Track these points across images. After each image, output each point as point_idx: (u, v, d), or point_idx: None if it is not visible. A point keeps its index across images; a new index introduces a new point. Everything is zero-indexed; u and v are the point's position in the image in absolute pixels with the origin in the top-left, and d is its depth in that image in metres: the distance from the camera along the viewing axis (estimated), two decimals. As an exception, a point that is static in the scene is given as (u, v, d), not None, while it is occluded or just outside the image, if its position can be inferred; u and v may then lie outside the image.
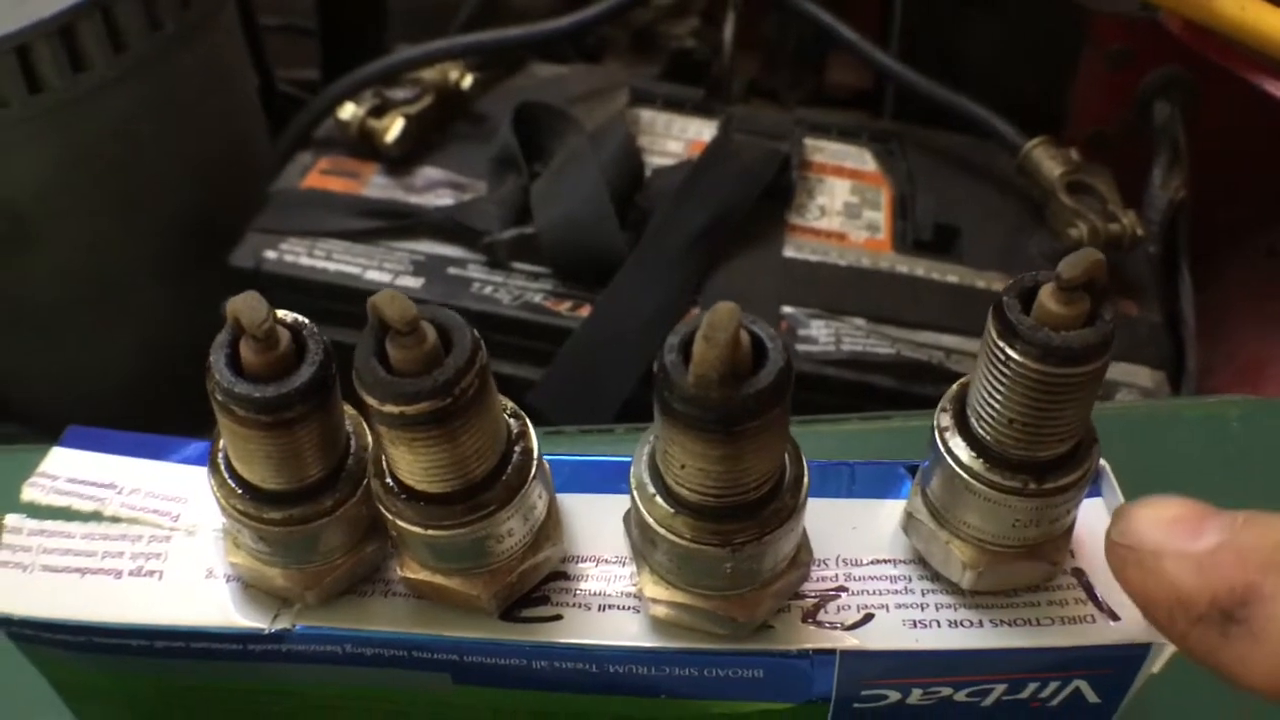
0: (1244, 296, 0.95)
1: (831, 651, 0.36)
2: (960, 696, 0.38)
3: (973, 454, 0.34)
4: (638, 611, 0.37)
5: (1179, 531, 0.30)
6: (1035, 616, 0.37)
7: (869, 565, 0.39)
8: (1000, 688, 0.38)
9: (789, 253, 0.83)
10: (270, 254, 0.80)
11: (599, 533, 0.39)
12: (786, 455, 0.34)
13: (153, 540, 0.40)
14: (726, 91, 1.00)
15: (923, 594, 0.38)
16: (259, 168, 0.93)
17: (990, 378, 0.32)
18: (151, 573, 0.39)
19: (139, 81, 0.77)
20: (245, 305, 0.31)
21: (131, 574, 0.39)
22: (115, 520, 0.40)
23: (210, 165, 0.89)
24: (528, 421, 0.36)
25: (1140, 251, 0.84)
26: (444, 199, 0.85)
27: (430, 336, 0.31)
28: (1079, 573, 0.38)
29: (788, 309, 0.78)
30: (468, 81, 0.92)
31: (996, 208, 0.89)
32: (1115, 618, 0.37)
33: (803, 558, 0.37)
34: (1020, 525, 0.35)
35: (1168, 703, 0.45)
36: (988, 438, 0.34)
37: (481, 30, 0.97)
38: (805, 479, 0.34)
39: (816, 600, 0.37)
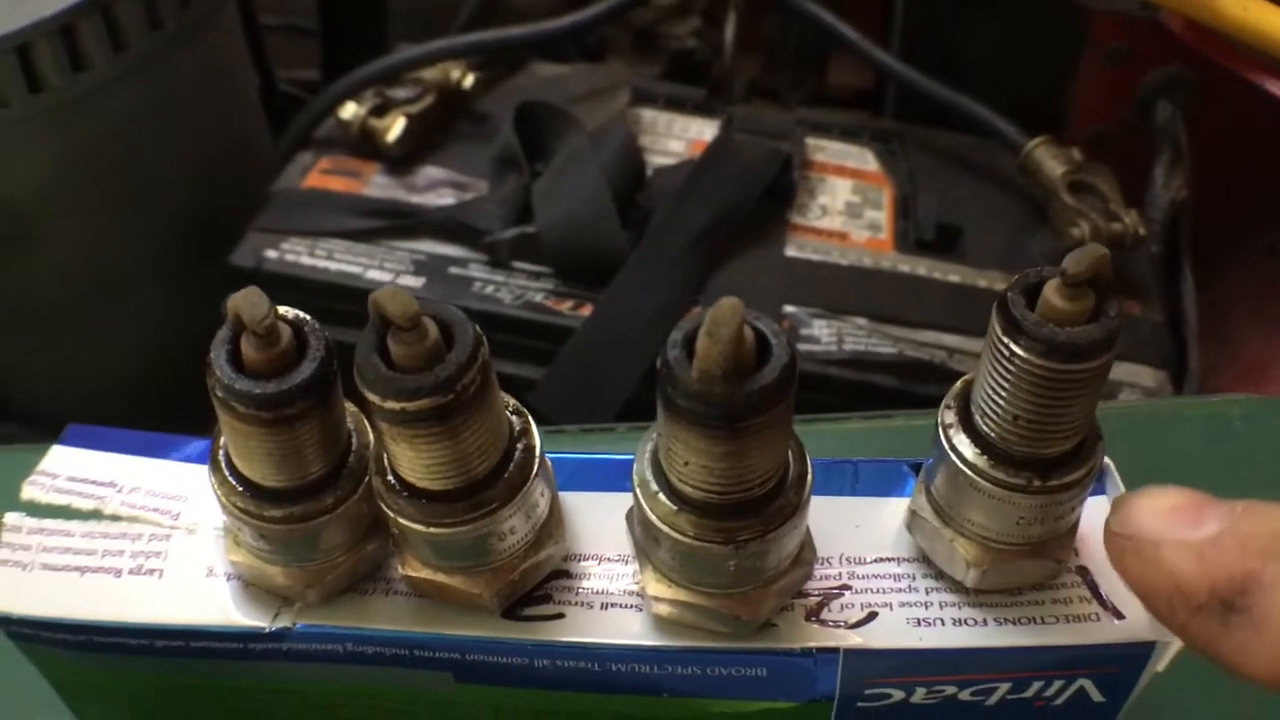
0: (1246, 296, 0.95)
1: (835, 650, 0.36)
2: (964, 695, 0.38)
3: (977, 451, 0.34)
4: (640, 610, 0.37)
5: (1178, 520, 0.30)
6: (1039, 615, 0.37)
7: (873, 563, 0.38)
8: (1004, 686, 0.37)
9: (791, 252, 0.82)
10: (271, 253, 0.80)
11: (601, 531, 0.39)
12: (790, 452, 0.34)
13: (153, 539, 0.40)
14: (728, 91, 1.00)
15: (927, 592, 0.38)
16: (260, 167, 0.93)
17: (995, 374, 0.32)
18: (151, 571, 0.39)
19: (139, 81, 0.77)
20: (246, 301, 0.31)
21: (131, 572, 0.39)
22: (115, 519, 0.40)
23: (211, 165, 0.89)
24: (530, 419, 0.36)
25: (1142, 251, 0.84)
26: (445, 198, 0.85)
27: (432, 332, 0.30)
28: (1083, 571, 0.38)
29: (790, 308, 0.78)
30: (469, 81, 0.92)
31: (998, 207, 0.89)
32: (1120, 616, 0.37)
33: (806, 556, 0.36)
34: (1025, 523, 0.35)
35: (1173, 701, 0.45)
36: (992, 435, 0.34)
37: (483, 30, 0.97)
38: (809, 476, 0.34)
39: (820, 598, 0.37)
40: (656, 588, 0.36)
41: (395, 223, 0.82)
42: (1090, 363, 0.31)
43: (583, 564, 0.39)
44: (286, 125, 0.95)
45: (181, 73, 0.82)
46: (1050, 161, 0.85)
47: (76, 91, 0.73)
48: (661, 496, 0.33)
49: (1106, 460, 0.39)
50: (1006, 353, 0.31)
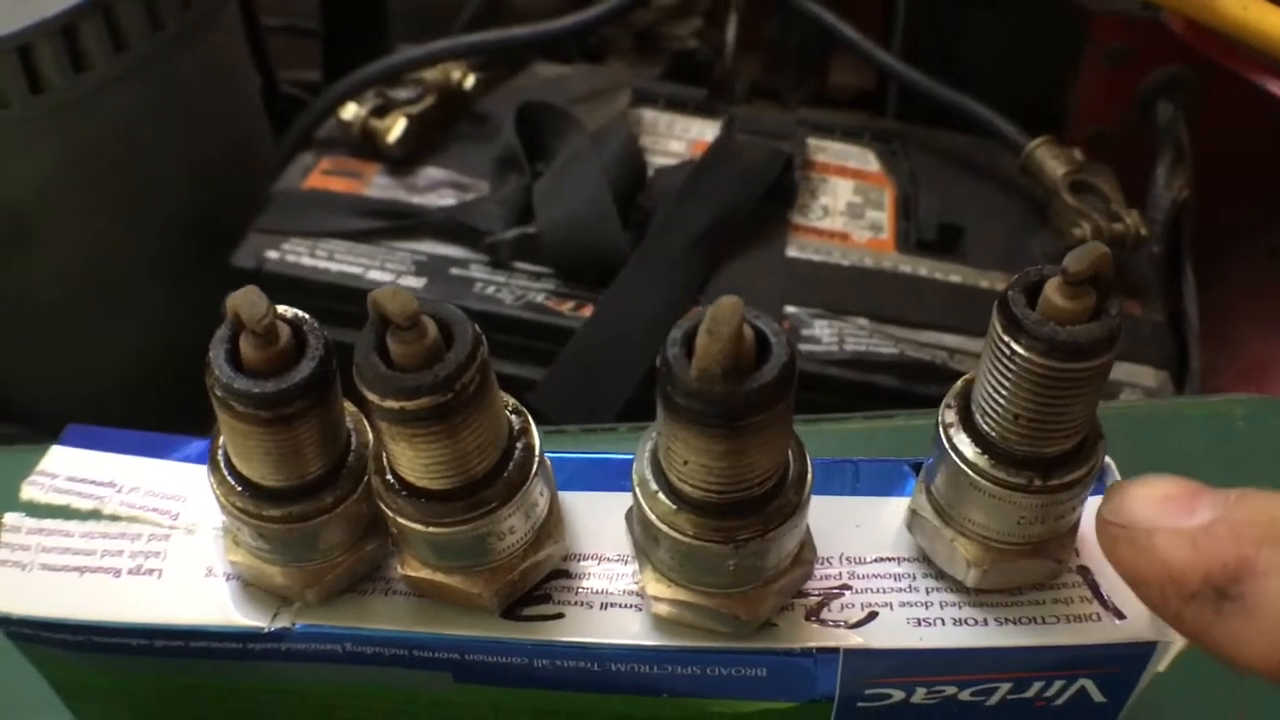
0: (1247, 296, 0.95)
1: (835, 650, 0.36)
2: (965, 695, 0.37)
3: (977, 450, 0.34)
4: (640, 610, 0.37)
5: (1172, 508, 0.30)
6: (1040, 615, 0.37)
7: (873, 563, 0.38)
8: (1005, 687, 0.37)
9: (792, 253, 0.82)
10: (272, 254, 0.80)
11: (601, 530, 0.39)
12: (790, 452, 0.34)
13: (152, 539, 0.40)
14: (729, 92, 1.00)
15: (927, 592, 0.37)
16: (261, 168, 0.93)
17: (995, 373, 0.32)
18: (151, 571, 0.39)
19: (140, 82, 0.77)
20: (245, 300, 0.31)
21: (131, 572, 0.39)
22: (114, 519, 0.40)
23: (212, 165, 0.89)
24: (529, 418, 0.35)
25: (1144, 251, 0.84)
26: (446, 199, 0.85)
27: (431, 331, 0.30)
28: (1084, 571, 0.38)
29: (791, 309, 0.78)
30: (470, 81, 0.92)
31: (999, 207, 0.88)
32: (1121, 616, 0.36)
33: (806, 555, 0.36)
34: (1025, 522, 0.35)
35: (1174, 702, 0.45)
36: (993, 434, 0.33)
37: (484, 30, 0.97)
38: (809, 475, 0.34)
39: (820, 598, 0.37)
40: (656, 587, 0.36)
41: (396, 223, 0.82)
42: (1091, 361, 0.31)
43: (582, 564, 0.39)
44: (287, 126, 0.95)
45: (182, 73, 0.82)
46: (1051, 162, 0.85)
47: (77, 92, 0.73)
48: (661, 496, 0.33)
49: (1107, 459, 0.38)
50: (1007, 351, 0.31)
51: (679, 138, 0.92)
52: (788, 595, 0.36)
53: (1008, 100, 0.90)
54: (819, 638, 0.36)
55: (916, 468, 0.40)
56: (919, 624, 0.37)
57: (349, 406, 0.36)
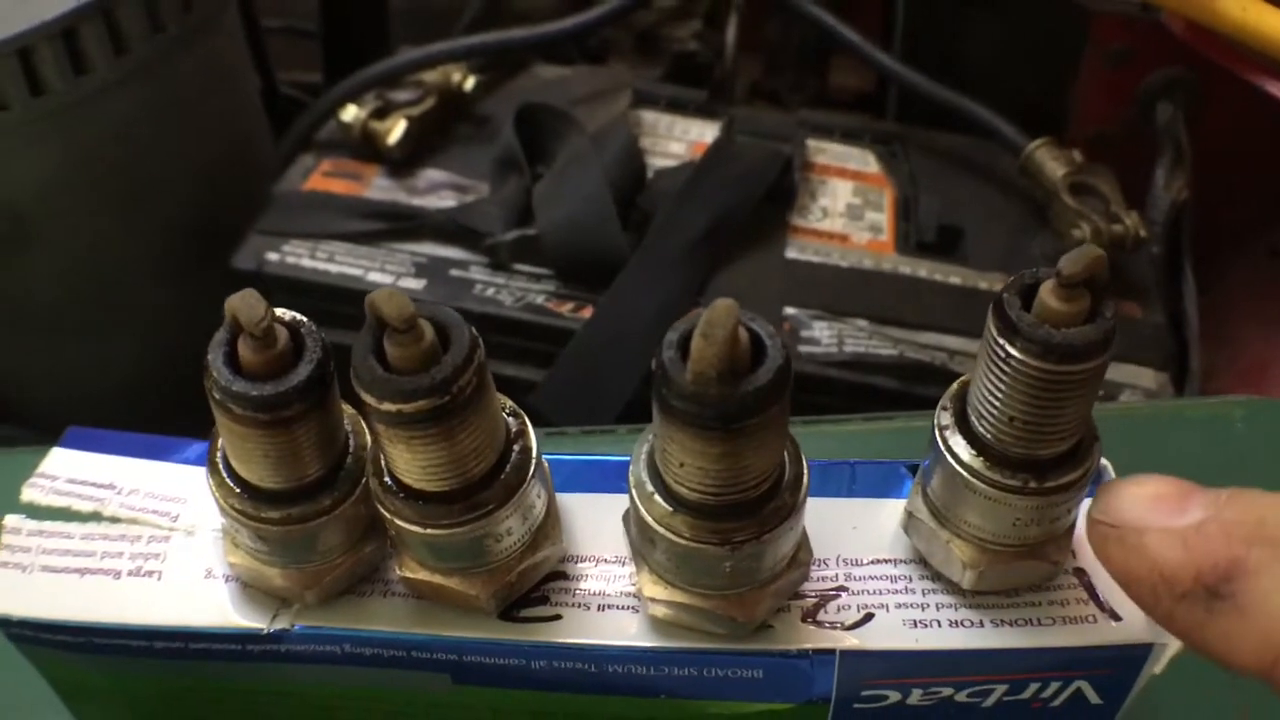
0: (1247, 298, 0.94)
1: (831, 651, 0.36)
2: (961, 697, 0.38)
3: (973, 452, 0.34)
4: (637, 611, 0.37)
5: (1162, 508, 0.30)
6: (1036, 616, 0.37)
7: (869, 565, 0.38)
8: (1001, 688, 0.37)
9: (791, 254, 0.82)
10: (272, 256, 0.80)
11: (598, 532, 0.39)
12: (786, 453, 0.34)
13: (152, 540, 0.40)
14: (729, 93, 1.00)
15: (923, 594, 0.38)
16: (261, 170, 0.93)
17: (991, 375, 0.32)
18: (150, 573, 0.39)
19: (141, 84, 0.77)
20: (243, 303, 0.31)
21: (130, 574, 0.39)
22: (114, 520, 0.40)
23: (212, 167, 0.89)
24: (526, 420, 0.36)
25: (1143, 252, 0.84)
26: (446, 201, 0.85)
27: (428, 334, 0.30)
28: (1080, 572, 0.38)
29: (790, 310, 0.78)
30: (470, 83, 0.93)
31: (999, 209, 0.89)
32: (1117, 618, 0.37)
33: (802, 557, 0.36)
34: (1021, 524, 0.35)
35: (1171, 704, 0.45)
36: (988, 436, 0.34)
37: (484, 32, 0.97)
38: (805, 477, 0.34)
39: (816, 600, 0.37)
40: (653, 589, 0.36)
41: (396, 225, 0.82)
42: (1086, 364, 0.31)
43: (580, 565, 0.39)
44: (288, 128, 0.95)
45: (183, 75, 0.82)
46: (1051, 163, 0.85)
47: (78, 94, 0.73)
48: (657, 498, 0.34)
49: (1103, 461, 0.39)
50: (1002, 354, 0.31)
51: (679, 139, 0.92)
52: (784, 597, 0.36)
53: (1008, 101, 0.90)
54: (815, 639, 0.36)
55: (913, 469, 0.40)
56: (915, 625, 0.37)
57: (347, 409, 0.36)
